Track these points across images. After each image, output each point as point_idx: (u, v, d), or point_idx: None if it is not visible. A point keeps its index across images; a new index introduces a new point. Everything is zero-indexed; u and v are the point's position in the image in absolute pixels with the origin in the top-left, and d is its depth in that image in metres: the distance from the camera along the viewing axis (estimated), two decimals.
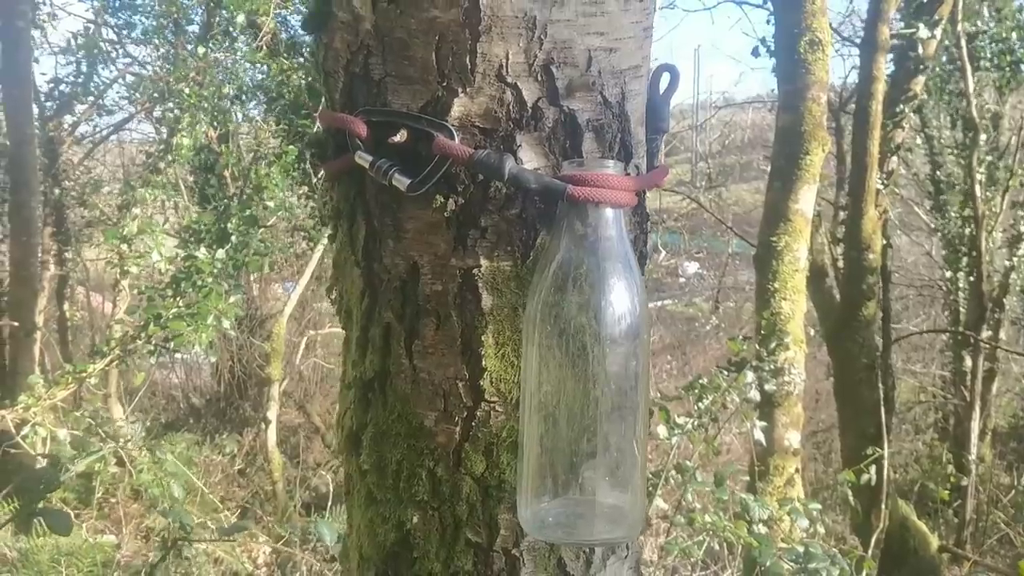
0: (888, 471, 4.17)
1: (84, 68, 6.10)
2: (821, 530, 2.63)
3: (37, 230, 5.27)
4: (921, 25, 4.82)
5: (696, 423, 2.55)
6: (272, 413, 6.05)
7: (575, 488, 0.70)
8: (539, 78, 0.73)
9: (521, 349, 0.73)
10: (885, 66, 4.71)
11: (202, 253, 4.19)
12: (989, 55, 6.27)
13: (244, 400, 7.63)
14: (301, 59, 5.84)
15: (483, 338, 0.75)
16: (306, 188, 6.06)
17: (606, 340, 0.69)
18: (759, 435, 2.75)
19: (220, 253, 4.30)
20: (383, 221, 0.77)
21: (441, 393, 0.76)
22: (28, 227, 5.08)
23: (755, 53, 5.26)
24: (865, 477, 3.10)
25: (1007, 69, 6.21)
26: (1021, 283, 6.63)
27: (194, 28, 6.18)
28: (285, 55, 5.76)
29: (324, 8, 0.78)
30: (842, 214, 5.59)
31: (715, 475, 2.36)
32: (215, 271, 4.20)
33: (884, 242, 5.08)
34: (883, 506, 4.04)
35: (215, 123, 5.53)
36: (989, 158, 6.55)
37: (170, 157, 5.35)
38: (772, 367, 3.09)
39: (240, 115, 6.06)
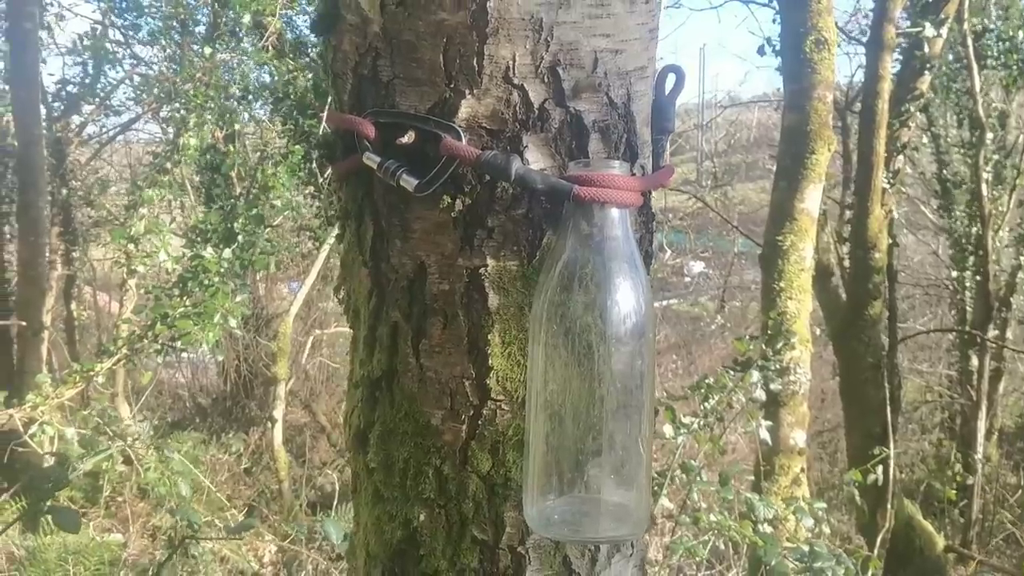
0: (894, 471, 4.16)
1: (91, 69, 6.13)
2: (826, 530, 2.63)
3: (45, 230, 5.30)
4: (927, 24, 4.81)
5: (702, 422, 2.55)
6: (278, 412, 6.06)
7: (580, 486, 0.71)
8: (545, 79, 0.73)
9: (527, 348, 0.74)
10: (891, 65, 4.70)
11: (209, 252, 4.21)
12: (996, 53, 6.25)
13: (250, 399, 7.65)
14: (307, 59, 5.85)
15: (490, 337, 0.75)
16: (312, 188, 6.08)
17: (612, 339, 0.70)
18: (765, 434, 2.75)
19: (227, 252, 4.31)
20: (391, 221, 0.77)
21: (448, 392, 0.77)
22: (36, 227, 5.10)
23: (761, 52, 5.27)
24: (872, 477, 3.10)
25: (1014, 67, 6.19)
26: None
27: (200, 29, 6.20)
28: (291, 55, 5.77)
29: (332, 10, 0.79)
30: (848, 213, 5.58)
31: (720, 474, 2.36)
32: (222, 270, 4.22)
33: (890, 241, 5.07)
34: (889, 506, 4.03)
35: (221, 123, 5.55)
36: (996, 157, 6.53)
37: (177, 157, 5.36)
38: (778, 366, 3.09)
39: (246, 115, 6.07)
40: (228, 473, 6.27)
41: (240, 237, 4.59)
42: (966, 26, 5.46)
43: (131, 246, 4.76)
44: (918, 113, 5.59)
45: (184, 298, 4.17)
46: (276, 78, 5.80)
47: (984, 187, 5.88)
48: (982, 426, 5.98)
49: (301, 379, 7.81)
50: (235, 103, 5.73)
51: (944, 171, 7.07)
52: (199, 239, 4.60)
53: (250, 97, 6.03)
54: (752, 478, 3.39)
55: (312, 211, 6.27)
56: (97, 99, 6.40)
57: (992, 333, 6.13)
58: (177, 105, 5.43)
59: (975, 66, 5.69)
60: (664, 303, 11.84)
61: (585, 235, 0.72)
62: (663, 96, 0.81)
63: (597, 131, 0.75)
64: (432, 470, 0.77)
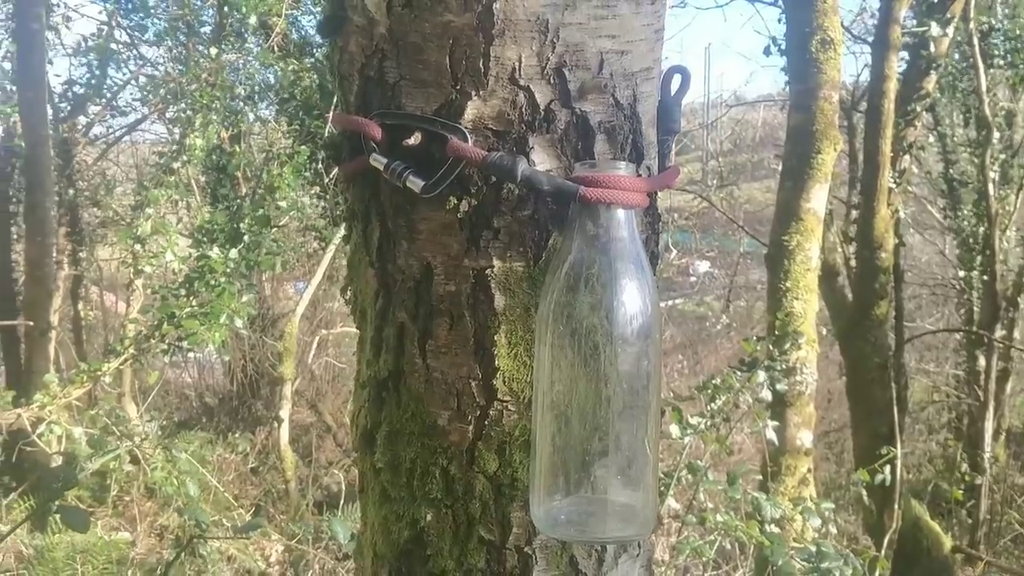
0: (901, 471, 4.15)
1: (97, 70, 6.16)
2: (833, 530, 2.63)
3: (52, 230, 5.31)
4: (933, 23, 4.80)
5: (708, 423, 2.55)
6: (284, 412, 6.08)
7: (587, 486, 0.71)
8: (551, 81, 0.73)
9: (533, 349, 0.74)
10: (897, 64, 4.68)
11: (215, 253, 4.22)
12: (1002, 52, 6.23)
13: (257, 399, 7.67)
14: (312, 60, 5.87)
15: (496, 338, 0.75)
16: (318, 188, 6.09)
17: (618, 340, 0.70)
18: (771, 435, 2.74)
19: (233, 253, 4.32)
20: (397, 222, 0.78)
21: (454, 392, 0.77)
22: (43, 227, 5.12)
23: (767, 52, 5.25)
24: (879, 477, 3.09)
25: (1020, 66, 6.17)
26: None
27: (206, 30, 6.22)
28: (296, 56, 5.78)
29: (339, 12, 0.79)
30: (854, 213, 5.57)
31: (727, 475, 2.36)
32: (228, 270, 4.23)
33: (896, 241, 5.05)
34: (896, 506, 4.02)
35: (227, 124, 5.56)
36: (1003, 156, 6.51)
37: (183, 158, 5.39)
38: (784, 367, 3.08)
39: (252, 115, 6.09)
40: (235, 473, 6.29)
41: (246, 237, 4.60)
42: (972, 25, 5.43)
43: (138, 246, 4.78)
44: (924, 113, 5.57)
45: (190, 298, 4.19)
46: (282, 78, 5.82)
47: (991, 186, 5.86)
48: (989, 426, 5.96)
49: (307, 379, 7.82)
50: (241, 103, 5.75)
51: (951, 171, 7.05)
52: (205, 239, 4.61)
53: (256, 97, 6.06)
54: (759, 478, 3.39)
55: (318, 211, 6.28)
56: (103, 100, 6.43)
57: (999, 333, 6.10)
58: (183, 105, 5.45)
59: (982, 65, 5.66)
60: (670, 303, 11.83)
61: (591, 236, 0.72)
62: (669, 97, 0.81)
63: (603, 132, 0.76)
64: (439, 470, 0.78)
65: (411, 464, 0.79)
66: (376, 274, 0.80)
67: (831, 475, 7.23)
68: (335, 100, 0.88)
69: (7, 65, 5.91)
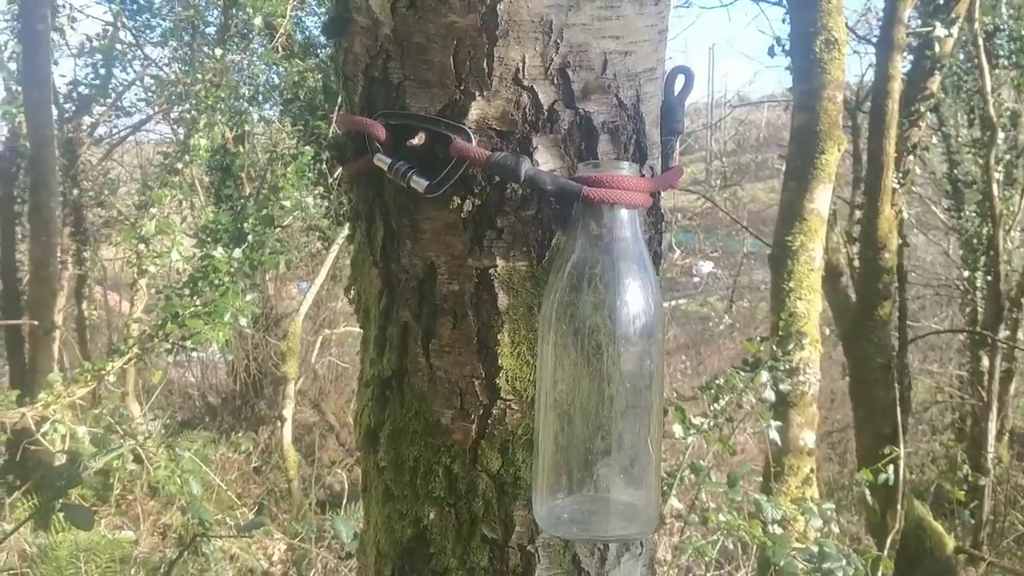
0: (904, 471, 4.14)
1: (102, 70, 6.17)
2: (836, 530, 2.63)
3: (56, 230, 5.33)
4: (938, 23, 4.79)
5: (711, 423, 2.55)
6: (287, 411, 6.09)
7: (590, 485, 0.71)
8: (555, 81, 0.74)
9: (537, 348, 0.74)
10: (901, 65, 4.68)
11: (219, 252, 4.23)
12: (1007, 52, 6.22)
13: (260, 398, 7.68)
14: (316, 60, 5.87)
15: (499, 337, 0.76)
16: (321, 188, 6.10)
17: (621, 339, 0.70)
18: (774, 435, 2.74)
19: (237, 252, 4.33)
20: (401, 222, 0.78)
21: (458, 391, 0.77)
22: (47, 227, 5.13)
23: (771, 52, 5.25)
24: (883, 477, 3.09)
25: None
26: None
27: (211, 30, 6.23)
28: (300, 57, 5.79)
29: (343, 13, 0.79)
30: (858, 213, 5.56)
31: (729, 475, 2.36)
32: (232, 270, 4.24)
33: (900, 241, 5.05)
34: (899, 506, 4.01)
35: (232, 124, 5.58)
36: (1007, 156, 6.49)
37: (187, 158, 5.39)
38: (787, 367, 3.08)
39: (256, 116, 6.10)
40: (238, 472, 6.30)
41: (250, 237, 4.62)
42: (977, 25, 5.42)
43: (142, 246, 4.79)
44: (929, 113, 5.56)
45: (194, 298, 4.20)
46: (286, 79, 5.83)
47: (995, 187, 5.85)
48: (993, 427, 5.95)
49: (310, 378, 7.83)
50: (245, 104, 5.76)
51: (955, 171, 7.04)
52: (209, 239, 4.62)
53: (260, 98, 6.07)
54: (762, 479, 3.39)
55: (321, 211, 6.29)
56: (108, 100, 6.44)
57: (1003, 334, 6.09)
58: (188, 106, 5.46)
59: (986, 66, 5.65)
60: (673, 303, 11.82)
61: (594, 236, 0.72)
62: (672, 97, 0.82)
63: (606, 132, 0.76)
64: (442, 469, 0.78)
65: (414, 463, 0.79)
66: (380, 273, 0.81)
67: (834, 475, 7.23)
68: (339, 100, 0.89)
69: (13, 66, 5.92)
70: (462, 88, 0.73)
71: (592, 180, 0.71)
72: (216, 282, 4.20)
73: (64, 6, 6.20)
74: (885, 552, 3.53)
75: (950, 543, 4.37)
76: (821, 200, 3.57)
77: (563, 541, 0.78)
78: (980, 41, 5.55)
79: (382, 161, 0.76)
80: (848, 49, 3.75)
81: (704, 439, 2.57)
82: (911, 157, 5.14)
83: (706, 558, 2.54)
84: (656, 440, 0.72)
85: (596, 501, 0.72)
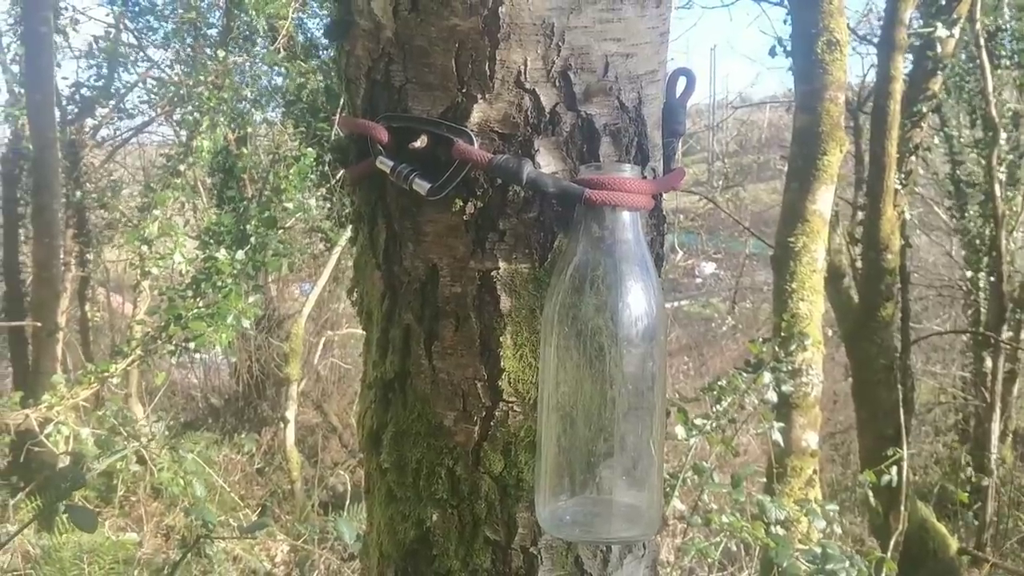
0: (907, 472, 4.14)
1: (105, 72, 6.18)
2: (839, 531, 2.63)
3: (59, 232, 5.34)
4: (939, 24, 4.79)
5: (714, 424, 2.55)
6: (290, 413, 6.09)
7: (592, 487, 0.71)
8: (557, 84, 0.74)
9: (539, 350, 0.75)
10: (903, 65, 4.67)
11: (222, 254, 4.24)
12: (1009, 52, 6.21)
13: (262, 400, 7.69)
14: (318, 62, 5.88)
15: (501, 339, 0.76)
16: (324, 190, 6.10)
17: (623, 341, 0.70)
18: (777, 436, 2.74)
19: (239, 254, 4.34)
20: (403, 224, 0.78)
21: (460, 393, 0.77)
22: (50, 229, 5.14)
23: (772, 53, 5.25)
24: (886, 478, 3.09)
25: None
26: None
27: (213, 32, 6.24)
28: (302, 58, 5.80)
29: (346, 16, 0.79)
30: (860, 214, 5.56)
31: (732, 477, 2.36)
32: (235, 272, 4.25)
33: (902, 242, 5.04)
34: (902, 508, 4.01)
35: (234, 126, 5.59)
36: (1010, 157, 6.48)
37: (190, 160, 5.40)
38: (790, 368, 3.08)
39: (259, 118, 6.11)
40: (241, 473, 6.31)
41: (253, 239, 4.62)
42: (979, 26, 5.41)
43: (144, 248, 4.80)
44: (931, 113, 5.55)
45: (197, 299, 4.21)
46: (288, 81, 5.83)
47: (997, 187, 5.84)
48: (996, 428, 5.93)
49: (313, 380, 7.84)
50: (247, 106, 5.77)
51: (957, 172, 7.03)
52: (212, 241, 4.63)
53: (262, 100, 6.07)
54: (764, 480, 3.38)
55: (324, 213, 6.30)
56: (111, 102, 6.46)
57: (1006, 334, 6.08)
58: (190, 108, 5.47)
59: (988, 66, 5.64)
60: (675, 304, 11.82)
61: (596, 238, 0.72)
62: (674, 99, 0.82)
63: (608, 135, 0.76)
64: (445, 471, 0.78)
65: (417, 464, 0.79)
66: (382, 276, 0.81)
67: (837, 477, 7.22)
68: (342, 103, 0.89)
69: (15, 68, 5.94)
70: (464, 91, 0.73)
71: (594, 182, 0.72)
72: (219, 284, 4.20)
73: (67, 8, 6.21)
74: (888, 553, 3.53)
75: (953, 544, 4.37)
76: (823, 201, 3.56)
77: (566, 543, 0.78)
78: (982, 41, 5.54)
79: (384, 164, 0.76)
80: (849, 50, 3.75)
81: (707, 440, 2.57)
82: (913, 158, 5.14)
83: (709, 559, 2.54)
84: (658, 442, 0.73)
85: (599, 503, 0.72)
